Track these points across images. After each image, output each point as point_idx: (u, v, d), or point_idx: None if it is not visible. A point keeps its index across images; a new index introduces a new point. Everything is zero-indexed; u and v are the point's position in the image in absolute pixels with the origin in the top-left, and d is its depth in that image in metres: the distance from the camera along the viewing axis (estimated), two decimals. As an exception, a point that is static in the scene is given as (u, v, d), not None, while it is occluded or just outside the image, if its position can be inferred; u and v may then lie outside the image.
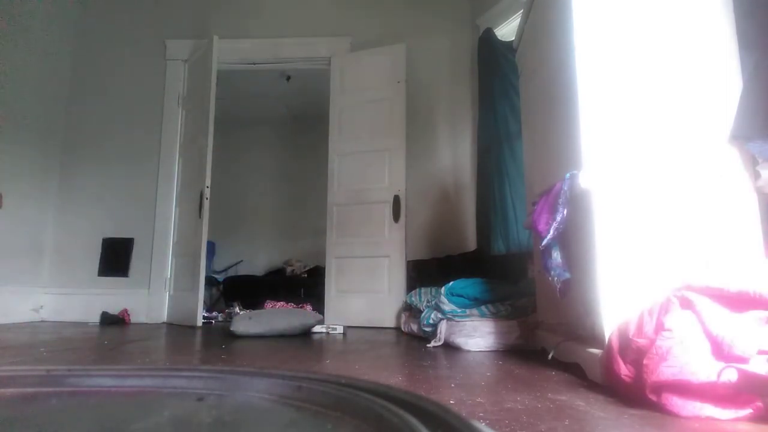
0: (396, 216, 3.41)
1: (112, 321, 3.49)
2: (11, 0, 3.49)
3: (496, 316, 2.11)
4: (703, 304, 0.98)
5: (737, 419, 0.88)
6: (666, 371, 0.92)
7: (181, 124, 3.97)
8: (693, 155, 1.28)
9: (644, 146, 1.31)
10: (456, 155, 3.76)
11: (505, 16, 3.50)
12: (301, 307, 3.43)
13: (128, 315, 3.59)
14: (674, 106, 1.32)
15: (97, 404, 0.62)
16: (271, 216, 6.40)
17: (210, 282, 5.15)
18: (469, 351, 1.98)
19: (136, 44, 4.10)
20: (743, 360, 0.88)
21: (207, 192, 3.42)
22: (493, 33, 3.46)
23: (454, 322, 2.14)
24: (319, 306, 3.60)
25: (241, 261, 6.12)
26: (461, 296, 2.22)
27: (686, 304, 1.01)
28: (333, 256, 3.59)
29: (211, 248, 5.77)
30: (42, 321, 3.66)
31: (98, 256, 3.82)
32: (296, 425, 0.52)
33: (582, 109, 1.36)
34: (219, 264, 6.02)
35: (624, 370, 1.05)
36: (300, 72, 4.74)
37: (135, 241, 3.84)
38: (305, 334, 2.75)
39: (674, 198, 1.27)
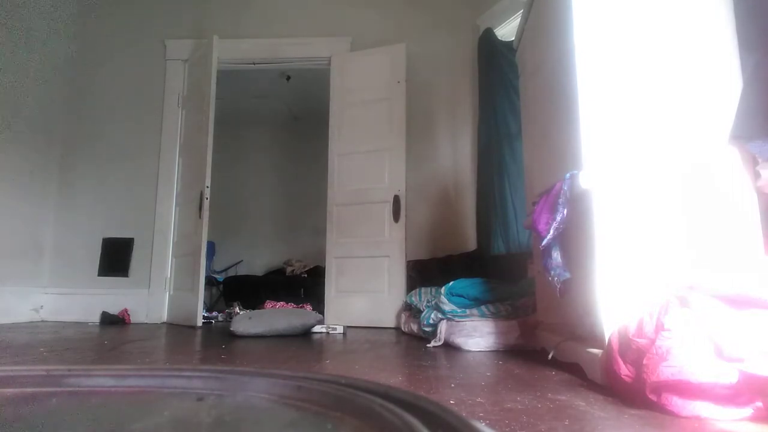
0: (396, 216, 3.41)
1: (112, 321, 3.49)
2: (11, 0, 3.49)
3: (496, 316, 2.11)
4: (703, 304, 0.98)
5: (737, 419, 0.88)
6: (666, 371, 0.92)
7: (181, 124, 3.97)
8: (693, 155, 1.28)
9: (644, 146, 1.31)
10: (456, 155, 3.76)
11: (505, 16, 3.50)
12: (301, 307, 3.43)
13: (128, 315, 3.59)
14: (674, 105, 1.32)
15: (97, 404, 0.62)
16: (271, 216, 6.40)
17: (210, 282, 5.16)
18: (469, 351, 1.98)
19: (136, 44, 4.10)
20: (743, 360, 0.88)
21: (207, 192, 3.42)
22: (493, 33, 3.46)
23: (454, 322, 2.13)
24: (319, 306, 3.60)
25: (241, 261, 6.12)
26: (461, 296, 2.22)
27: (686, 304, 1.01)
28: (333, 256, 3.59)
29: (211, 248, 5.77)
30: (42, 321, 3.66)
31: (98, 256, 3.82)
32: (296, 425, 0.52)
33: (582, 109, 1.36)
34: (219, 264, 6.02)
35: (624, 370, 1.05)
36: (300, 72, 4.74)
37: (135, 241, 3.84)
38: (305, 334, 2.75)
39: (674, 198, 1.27)
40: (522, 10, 2.18)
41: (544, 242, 1.47)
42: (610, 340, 1.16)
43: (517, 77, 2.36)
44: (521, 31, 2.17)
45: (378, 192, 3.49)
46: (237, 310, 3.91)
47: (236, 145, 6.28)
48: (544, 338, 1.80)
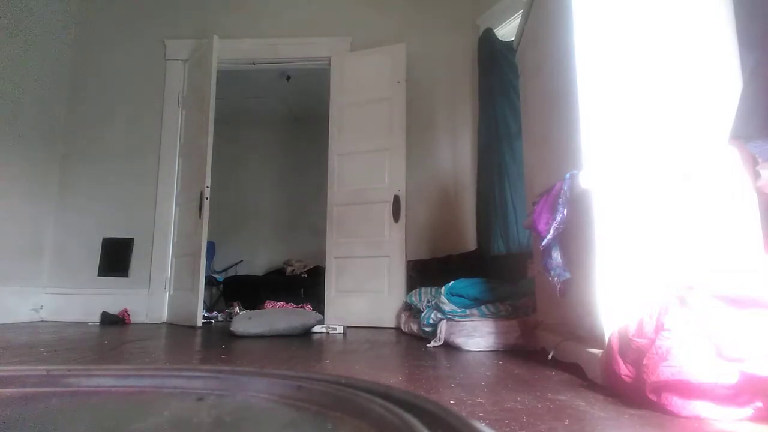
0: (396, 216, 3.41)
1: (112, 321, 3.49)
2: (11, 0, 3.49)
3: (496, 316, 2.11)
4: (704, 304, 0.98)
5: (737, 419, 0.88)
6: (666, 371, 0.92)
7: (181, 124, 3.97)
8: (693, 155, 1.28)
9: (644, 146, 1.31)
10: (456, 155, 3.76)
11: (505, 16, 3.50)
12: (301, 307, 3.43)
13: (128, 315, 3.59)
14: (674, 105, 1.32)
15: (97, 404, 0.62)
16: (271, 216, 6.40)
17: (210, 282, 5.16)
18: (469, 351, 1.98)
19: (136, 44, 4.10)
20: (743, 360, 0.88)
21: (207, 192, 3.42)
22: (493, 33, 3.46)
23: (454, 322, 2.13)
24: (319, 306, 3.60)
25: (241, 261, 6.12)
26: (461, 296, 2.22)
27: (686, 304, 1.01)
28: (333, 256, 3.59)
29: (211, 248, 5.77)
30: (42, 321, 3.66)
31: (98, 256, 3.82)
32: (296, 425, 0.52)
33: (582, 109, 1.36)
34: (219, 264, 6.02)
35: (624, 370, 1.05)
36: (300, 72, 4.74)
37: (135, 241, 3.84)
38: (305, 334, 2.75)
39: (674, 198, 1.27)
40: (522, 10, 2.18)
41: (544, 242, 1.47)
42: (610, 340, 1.16)
43: (517, 77, 2.36)
44: (521, 31, 2.17)
45: (378, 192, 3.49)
46: (237, 310, 3.91)
47: (236, 145, 6.28)
48: (544, 338, 1.80)
